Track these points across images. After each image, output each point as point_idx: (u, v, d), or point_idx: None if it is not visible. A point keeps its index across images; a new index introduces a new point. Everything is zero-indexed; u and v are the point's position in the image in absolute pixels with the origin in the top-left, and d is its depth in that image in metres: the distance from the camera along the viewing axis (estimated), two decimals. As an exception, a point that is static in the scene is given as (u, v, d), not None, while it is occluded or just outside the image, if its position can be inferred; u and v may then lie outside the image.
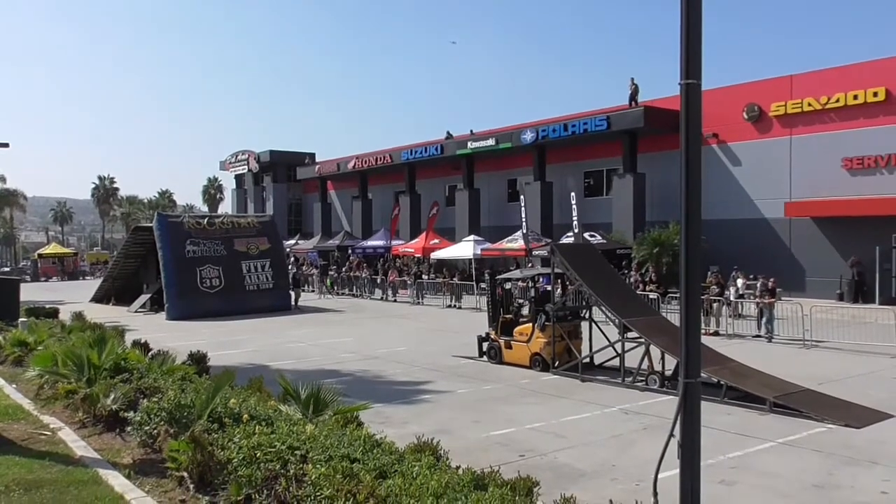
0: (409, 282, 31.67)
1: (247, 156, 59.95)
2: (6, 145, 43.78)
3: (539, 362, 14.57)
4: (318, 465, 5.35)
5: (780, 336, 18.43)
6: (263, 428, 6.41)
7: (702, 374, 12.37)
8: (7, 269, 65.87)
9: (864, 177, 26.18)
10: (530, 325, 14.97)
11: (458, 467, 5.78)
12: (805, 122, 27.79)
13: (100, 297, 33.00)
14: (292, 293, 30.03)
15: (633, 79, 32.47)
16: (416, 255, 35.85)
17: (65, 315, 20.76)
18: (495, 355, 15.53)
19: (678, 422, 4.78)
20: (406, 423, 10.22)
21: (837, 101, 26.67)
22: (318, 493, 5.04)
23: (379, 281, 34.04)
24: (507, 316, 15.92)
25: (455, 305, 28.43)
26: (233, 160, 62.01)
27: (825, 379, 13.05)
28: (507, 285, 17.58)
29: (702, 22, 4.75)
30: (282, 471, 5.54)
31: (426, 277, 32.01)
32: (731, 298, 21.19)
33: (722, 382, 11.54)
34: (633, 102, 32.12)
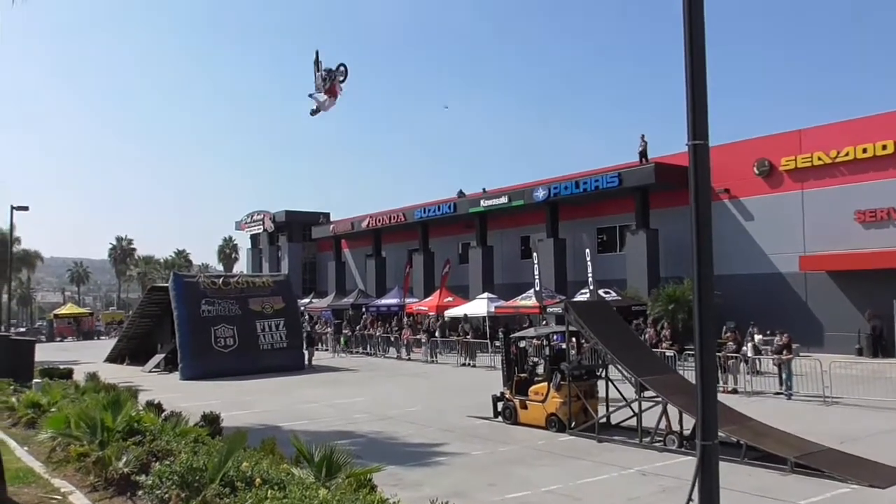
0: (422, 340, 31.54)
1: (262, 216, 60.61)
2: (25, 208, 44.56)
3: (555, 423, 14.37)
4: (330, 532, 5.27)
5: (800, 393, 18.13)
6: (276, 492, 6.33)
7: (720, 434, 12.14)
8: (23, 329, 66.19)
9: (877, 229, 26.11)
10: (546, 384, 14.81)
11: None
12: (816, 176, 27.87)
13: (114, 357, 33.05)
14: (306, 352, 29.96)
15: (643, 136, 32.86)
16: (430, 314, 35.76)
17: (79, 375, 20.75)
18: (510, 415, 15.34)
19: (696, 485, 4.70)
20: (420, 485, 10.06)
21: (847, 154, 26.80)
22: (330, 561, 4.95)
23: (393, 339, 33.93)
24: (522, 375, 15.76)
25: (469, 363, 28.22)
26: (248, 220, 62.69)
27: (847, 437, 12.78)
28: (522, 343, 17.47)
29: (707, 85, 4.84)
30: (294, 537, 5.46)
31: (439, 335, 31.88)
32: (749, 355, 20.93)
33: (741, 442, 11.33)
34: (643, 159, 32.39)
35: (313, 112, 20.42)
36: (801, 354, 20.45)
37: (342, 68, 20.73)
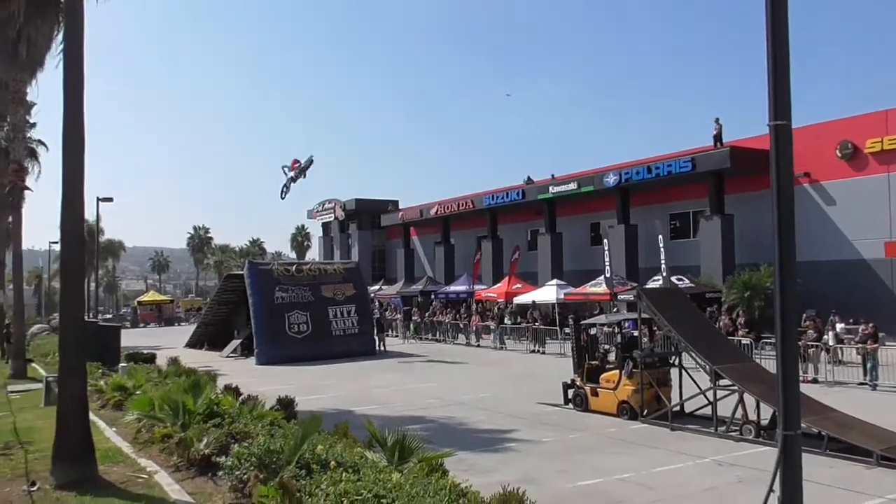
0: (492, 326, 31.56)
1: (333, 204, 61.52)
2: (110, 199, 46.06)
3: (627, 410, 14.20)
4: (404, 515, 5.34)
5: (886, 383, 17.40)
6: (350, 475, 6.45)
7: (801, 425, 11.75)
8: (109, 315, 69.05)
9: (972, 214, 24.75)
10: (617, 371, 14.63)
11: (545, 519, 5.66)
12: (904, 158, 26.56)
13: (194, 343, 34.17)
14: (377, 338, 30.32)
15: (717, 119, 31.88)
16: (499, 300, 35.73)
17: (161, 360, 21.58)
18: (581, 403, 15.21)
19: (777, 476, 4.56)
20: (490, 471, 10.09)
21: (939, 135, 25.45)
22: (404, 543, 5.01)
23: (462, 326, 34.05)
24: (593, 362, 15.60)
25: (539, 350, 28.11)
26: (320, 209, 63.73)
27: (938, 430, 12.19)
28: (592, 330, 17.28)
29: (789, 62, 4.65)
30: (368, 519, 5.55)
31: (509, 322, 31.82)
32: (830, 343, 20.19)
33: (823, 433, 10.95)
34: (718, 143, 31.50)
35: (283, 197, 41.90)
36: (887, 344, 19.61)
37: (311, 158, 39.14)
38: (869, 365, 17.91)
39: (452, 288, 41.67)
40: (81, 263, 10.52)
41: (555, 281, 34.54)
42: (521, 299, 34.12)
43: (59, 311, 11.85)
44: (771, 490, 4.64)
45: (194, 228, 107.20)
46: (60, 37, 10.79)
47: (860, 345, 18.81)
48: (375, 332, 30.65)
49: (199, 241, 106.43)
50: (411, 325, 36.85)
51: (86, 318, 15.74)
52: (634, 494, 9.04)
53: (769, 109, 4.64)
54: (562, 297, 31.91)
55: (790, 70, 4.67)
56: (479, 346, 31.38)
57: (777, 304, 4.50)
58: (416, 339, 35.54)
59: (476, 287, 39.46)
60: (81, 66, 9.79)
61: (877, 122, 27.48)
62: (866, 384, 17.71)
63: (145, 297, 68.50)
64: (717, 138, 31.66)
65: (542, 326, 29.74)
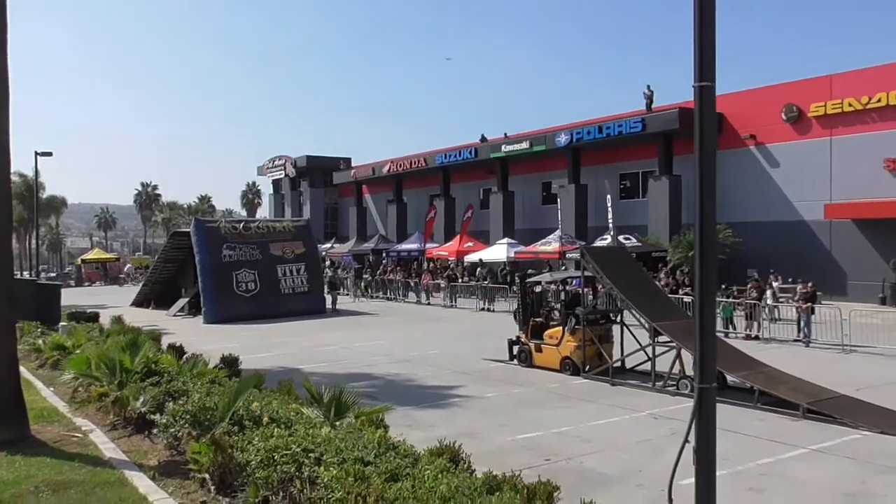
0: (442, 285, 31.70)
1: (284, 161, 60.60)
2: (49, 154, 44.73)
3: (569, 366, 14.47)
4: (330, 468, 5.39)
5: (819, 341, 18.03)
6: (281, 430, 6.47)
7: (734, 379, 12.15)
8: (53, 274, 67.33)
9: (907, 177, 25.51)
10: (560, 328, 14.88)
11: (472, 471, 5.77)
12: (846, 123, 27.16)
13: (140, 302, 33.54)
14: (329, 297, 30.19)
15: (648, 86, 32.72)
16: (451, 259, 35.87)
17: (105, 319, 21.18)
18: (525, 359, 15.46)
19: (693, 427, 4.71)
20: (433, 426, 10.22)
21: (879, 100, 26.01)
22: (329, 496, 5.07)
23: (413, 284, 34.13)
24: (538, 319, 15.83)
25: (488, 308, 28.38)
26: (270, 165, 62.74)
27: (863, 384, 12.73)
28: (538, 288, 17.48)
29: (715, 23, 4.67)
30: (297, 473, 5.59)
31: (460, 280, 31.99)
32: (768, 302, 20.80)
33: (754, 387, 11.34)
34: (648, 110, 32.15)
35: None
36: (823, 303, 20.28)
37: None
38: (802, 322, 18.52)
39: (404, 246, 41.66)
40: (8, 216, 10.18)
41: (506, 239, 34.80)
42: (472, 258, 34.30)
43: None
44: (686, 441, 4.80)
45: (142, 185, 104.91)
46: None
47: (797, 303, 19.41)
48: (327, 290, 30.50)
49: (147, 198, 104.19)
50: (362, 284, 36.79)
51: (28, 276, 15.31)
52: (571, 446, 9.27)
53: (694, 71, 4.66)
54: (512, 255, 32.20)
55: (715, 31, 4.69)
56: (429, 304, 31.54)
57: (696, 254, 4.58)
58: (366, 298, 35.53)
59: (428, 245, 39.50)
60: (4, 8, 9.36)
61: (821, 86, 27.99)
62: (800, 341, 18.33)
63: (90, 255, 66.87)
64: (649, 106, 32.28)
65: (491, 284, 29.98)
